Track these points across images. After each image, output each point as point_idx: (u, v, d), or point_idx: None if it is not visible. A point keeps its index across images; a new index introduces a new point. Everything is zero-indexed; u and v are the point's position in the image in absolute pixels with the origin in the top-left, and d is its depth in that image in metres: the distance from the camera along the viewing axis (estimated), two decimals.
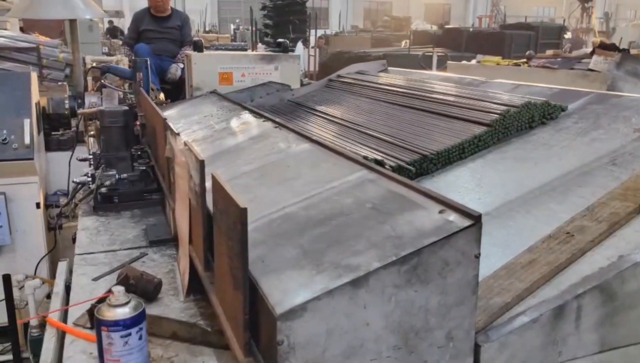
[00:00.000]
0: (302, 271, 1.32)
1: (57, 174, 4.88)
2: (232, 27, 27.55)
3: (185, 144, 2.02)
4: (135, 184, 3.05)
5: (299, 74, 4.59)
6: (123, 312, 1.38)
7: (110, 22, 22.15)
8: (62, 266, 2.38)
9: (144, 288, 2.03)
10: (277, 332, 1.19)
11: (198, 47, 4.54)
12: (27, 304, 4.30)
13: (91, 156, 3.45)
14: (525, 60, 8.64)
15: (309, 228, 1.53)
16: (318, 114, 3.48)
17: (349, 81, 4.12)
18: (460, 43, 19.08)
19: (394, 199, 1.54)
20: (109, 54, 12.04)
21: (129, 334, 1.38)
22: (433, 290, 1.30)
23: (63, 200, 4.83)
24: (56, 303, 2.07)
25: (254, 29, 17.42)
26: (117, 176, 3.02)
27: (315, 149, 2.21)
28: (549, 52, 8.95)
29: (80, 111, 4.48)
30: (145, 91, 4.43)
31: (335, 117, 3.30)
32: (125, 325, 1.38)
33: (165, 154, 2.48)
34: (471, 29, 21.97)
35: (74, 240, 2.70)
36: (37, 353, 4.13)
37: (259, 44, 16.70)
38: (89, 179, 3.01)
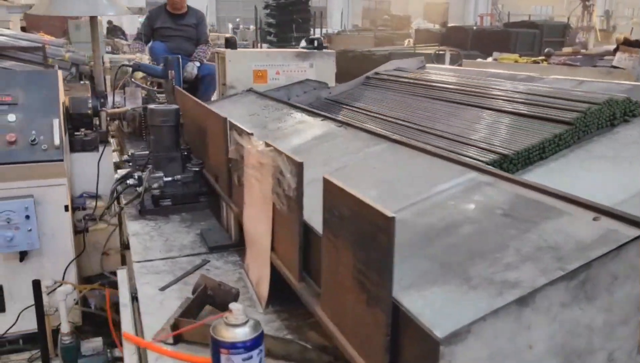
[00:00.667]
0: (449, 287, 1.18)
1: (81, 175, 4.72)
2: (230, 26, 27.34)
3: (267, 145, 1.88)
4: (189, 186, 2.90)
5: (334, 71, 4.46)
6: (244, 333, 1.24)
7: (110, 22, 21.95)
8: (122, 275, 2.23)
9: (223, 299, 1.89)
10: (440, 357, 1.05)
11: (232, 44, 4.39)
12: (56, 310, 4.15)
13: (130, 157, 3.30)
14: (543, 57, 8.53)
15: (433, 237, 1.39)
16: (366, 112, 3.34)
17: (391, 78, 3.98)
18: (465, 41, 18.97)
19: (528, 205, 1.40)
20: (112, 53, 11.91)
21: (250, 357, 1.24)
22: (599, 308, 1.16)
23: (89, 202, 4.68)
24: (126, 315, 1.93)
25: (258, 27, 17.25)
26: (164, 179, 2.87)
27: (398, 149, 2.07)
28: (567, 49, 8.84)
29: (110, 110, 4.32)
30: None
31: (386, 116, 3.16)
32: (246, 347, 1.24)
33: (229, 155, 2.34)
34: (475, 27, 21.86)
35: (126, 246, 2.55)
36: (68, 361, 3.99)
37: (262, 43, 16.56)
38: (136, 181, 2.85)
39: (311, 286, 1.65)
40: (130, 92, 5.07)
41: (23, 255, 4.13)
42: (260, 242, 2.00)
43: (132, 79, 4.36)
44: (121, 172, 3.47)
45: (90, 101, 4.91)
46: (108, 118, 4.89)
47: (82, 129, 4.89)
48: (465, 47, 18.29)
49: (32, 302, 3.99)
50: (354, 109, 3.50)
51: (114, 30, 21.30)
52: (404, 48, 19.29)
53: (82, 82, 5.36)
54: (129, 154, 3.28)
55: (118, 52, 13.57)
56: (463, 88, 3.21)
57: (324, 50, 4.50)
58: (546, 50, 8.59)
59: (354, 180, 1.94)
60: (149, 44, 7.09)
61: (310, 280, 1.68)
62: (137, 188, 2.85)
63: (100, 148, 4.65)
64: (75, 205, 4.56)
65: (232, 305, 1.28)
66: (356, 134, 2.37)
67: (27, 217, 3.94)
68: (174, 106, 3.06)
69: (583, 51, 8.23)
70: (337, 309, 1.41)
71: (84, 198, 4.68)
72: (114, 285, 4.75)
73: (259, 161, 1.97)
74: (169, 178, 2.91)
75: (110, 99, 4.47)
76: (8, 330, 4.17)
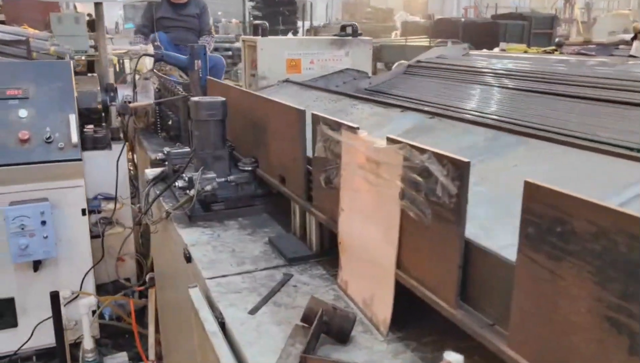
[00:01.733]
0: None
1: (93, 175, 4.33)
2: (212, 20, 26.83)
3: (393, 141, 1.55)
4: (243, 188, 2.57)
5: (370, 59, 4.14)
6: None
7: (89, 15, 21.37)
8: (196, 295, 1.88)
9: (340, 327, 1.58)
10: None
11: (263, 30, 4.03)
12: (75, 324, 3.81)
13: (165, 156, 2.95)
14: (554, 47, 8.32)
15: None
16: (424, 104, 3.02)
17: (439, 66, 3.67)
18: (454, 33, 18.76)
19: None
20: (94, 48, 11.47)
21: None
22: None
23: (105, 205, 4.31)
24: (221, 346, 1.59)
25: (244, 21, 16.86)
26: (217, 180, 2.54)
27: (532, 143, 1.77)
28: (576, 38, 8.64)
29: (134, 104, 3.95)
30: (203, 80, 3.95)
31: (449, 107, 2.84)
32: None
33: (316, 153, 2.01)
34: (463, 20, 21.71)
35: (188, 258, 2.21)
36: None
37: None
38: (186, 183, 2.50)
39: (471, 313, 1.34)
40: (142, 86, 4.70)
41: (37, 264, 3.76)
42: (374, 255, 1.68)
43: (155, 70, 3.98)
44: (150, 172, 3.11)
45: (99, 95, 4.55)
46: (119, 113, 4.53)
47: (91, 126, 4.51)
48: (456, 38, 18.11)
49: (47, 315, 3.65)
50: (408, 100, 3.18)
51: (93, 24, 20.70)
52: (393, 40, 19.05)
53: (90, 74, 4.97)
54: (165, 152, 2.92)
55: None
56: (538, 76, 2.91)
57: (360, 37, 4.17)
58: (557, 40, 8.40)
59: (494, 183, 1.63)
60: (152, 35, 6.72)
61: (465, 305, 1.37)
62: (187, 191, 2.49)
63: (115, 146, 4.29)
64: (90, 208, 4.19)
65: (449, 356, 0.96)
66: (463, 127, 2.06)
67: (43, 223, 3.57)
68: (221, 98, 2.71)
69: (597, 40, 8.03)
70: (549, 353, 1.09)
71: (99, 200, 4.31)
72: (133, 294, 4.41)
73: (373, 160, 1.65)
74: (222, 179, 2.57)
75: (128, 92, 4.07)
76: (22, 346, 3.81)
